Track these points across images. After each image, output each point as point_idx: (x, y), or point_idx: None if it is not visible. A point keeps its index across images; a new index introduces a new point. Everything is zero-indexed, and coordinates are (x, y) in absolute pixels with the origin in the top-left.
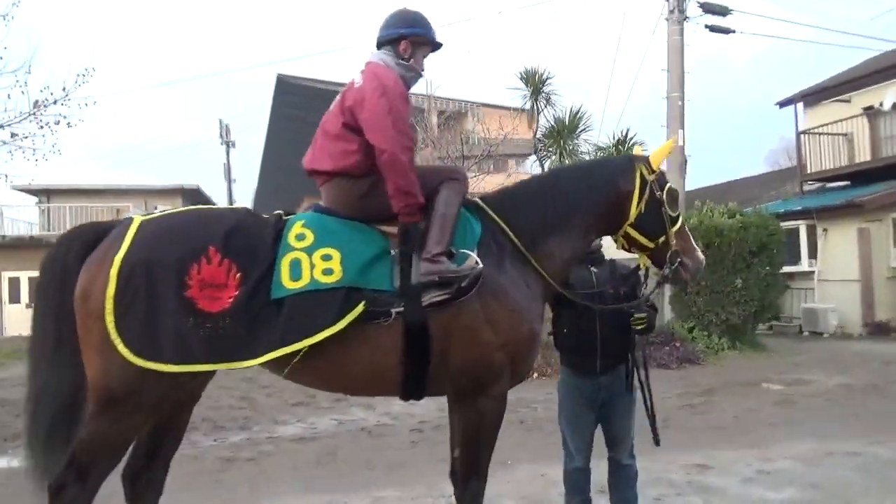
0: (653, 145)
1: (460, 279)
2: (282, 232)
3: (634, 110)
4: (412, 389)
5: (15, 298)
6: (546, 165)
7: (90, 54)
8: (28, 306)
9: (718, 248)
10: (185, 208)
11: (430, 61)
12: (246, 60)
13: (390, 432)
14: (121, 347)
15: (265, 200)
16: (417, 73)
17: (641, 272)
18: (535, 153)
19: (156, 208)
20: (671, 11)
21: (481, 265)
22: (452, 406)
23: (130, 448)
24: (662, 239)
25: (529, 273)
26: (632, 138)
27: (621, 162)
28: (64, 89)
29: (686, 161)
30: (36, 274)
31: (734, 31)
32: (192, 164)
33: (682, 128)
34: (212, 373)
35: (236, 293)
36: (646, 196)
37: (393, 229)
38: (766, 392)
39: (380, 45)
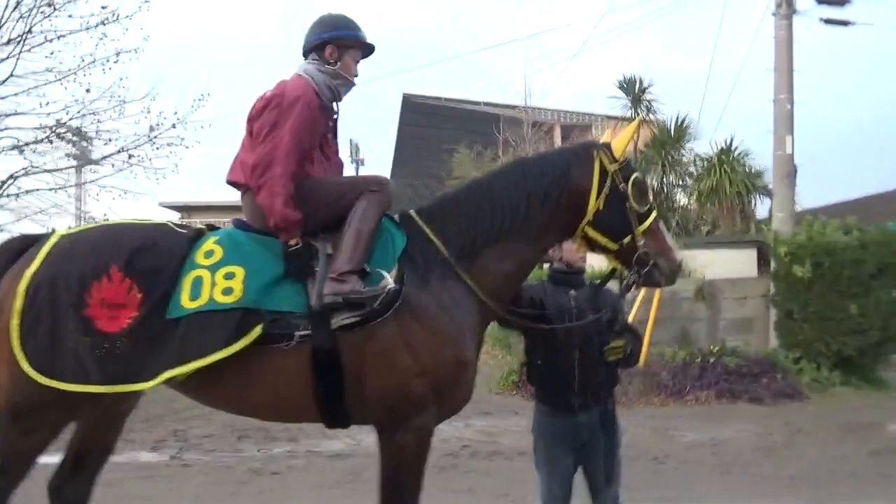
0: (761, 153)
1: (369, 301)
2: (192, 248)
3: (738, 115)
4: (332, 418)
5: None
6: (649, 178)
7: (207, 78)
8: None
9: (830, 270)
10: (105, 222)
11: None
12: (373, 78)
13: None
14: (24, 364)
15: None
16: (346, 80)
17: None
18: (637, 164)
19: None
20: (778, 5)
21: (392, 285)
22: (378, 438)
23: (60, 459)
24: (628, 239)
25: (460, 290)
26: (737, 147)
27: (576, 151)
28: (175, 114)
29: (795, 171)
30: None
31: (854, 24)
32: None
33: (791, 133)
34: (135, 392)
35: (135, 313)
36: (606, 190)
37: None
38: (869, 437)
39: (306, 54)
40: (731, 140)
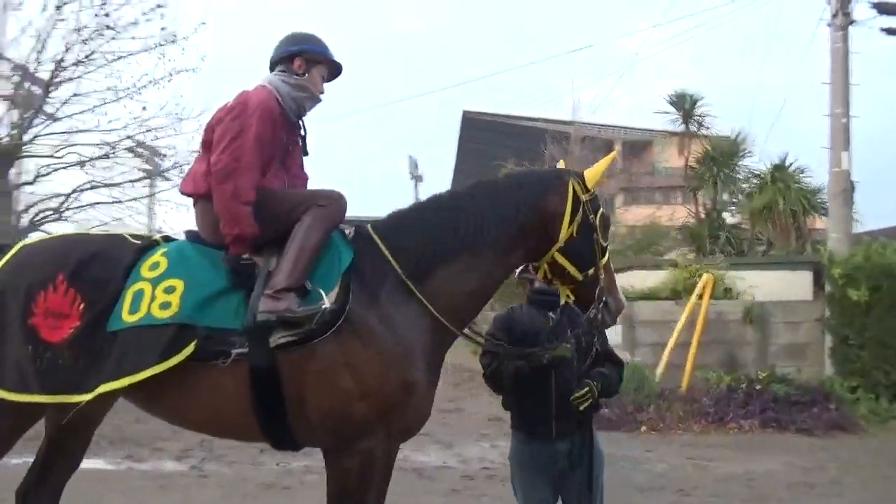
0: (816, 170)
1: (304, 320)
2: (139, 260)
3: (791, 131)
4: (276, 438)
5: None
6: (700, 196)
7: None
8: None
9: (888, 293)
10: (66, 233)
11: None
12: (432, 94)
13: (444, 476)
14: None
15: None
16: (312, 93)
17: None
18: (686, 181)
19: None
20: (833, 15)
21: (328, 305)
22: (325, 461)
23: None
24: (592, 271)
25: (412, 308)
26: (791, 163)
27: (550, 175)
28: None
29: (852, 188)
30: None
31: None
32: (380, 199)
33: (847, 149)
34: (111, 400)
35: (77, 324)
36: (578, 218)
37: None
38: None
39: (272, 67)
40: (786, 156)
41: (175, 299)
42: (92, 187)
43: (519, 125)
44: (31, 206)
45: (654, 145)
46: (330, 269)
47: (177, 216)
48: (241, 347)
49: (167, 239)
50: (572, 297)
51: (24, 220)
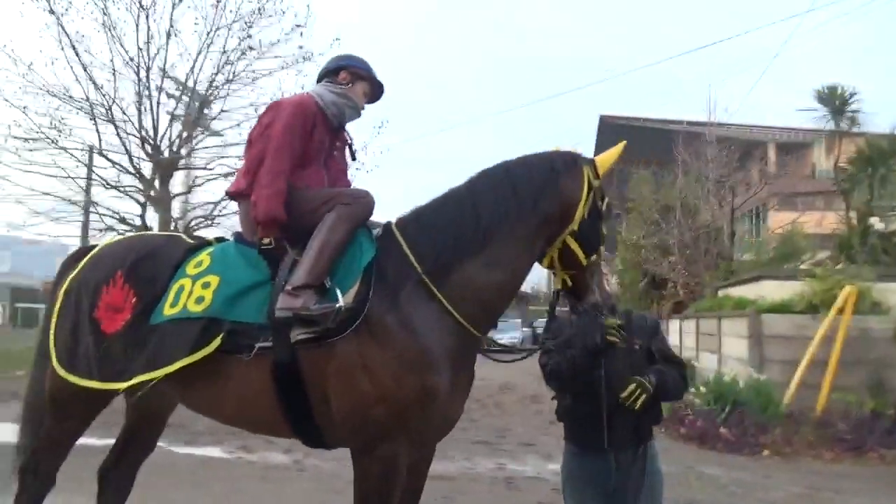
0: None
1: (320, 319)
2: (186, 259)
3: None
4: (306, 436)
5: None
6: (852, 200)
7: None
8: None
9: None
10: (135, 234)
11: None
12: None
13: (533, 488)
14: (53, 358)
15: None
16: (355, 104)
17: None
18: (837, 184)
19: None
20: None
21: (342, 304)
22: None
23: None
24: (595, 257)
25: (433, 309)
26: None
27: (566, 160)
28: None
29: None
30: None
31: None
32: None
33: None
34: (169, 391)
35: (128, 317)
36: (589, 203)
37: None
38: None
39: (319, 80)
40: None
41: (209, 294)
42: None
43: (656, 128)
44: (186, 214)
45: (811, 147)
46: (350, 267)
47: None
48: (264, 342)
49: (220, 240)
50: (569, 283)
51: (180, 227)
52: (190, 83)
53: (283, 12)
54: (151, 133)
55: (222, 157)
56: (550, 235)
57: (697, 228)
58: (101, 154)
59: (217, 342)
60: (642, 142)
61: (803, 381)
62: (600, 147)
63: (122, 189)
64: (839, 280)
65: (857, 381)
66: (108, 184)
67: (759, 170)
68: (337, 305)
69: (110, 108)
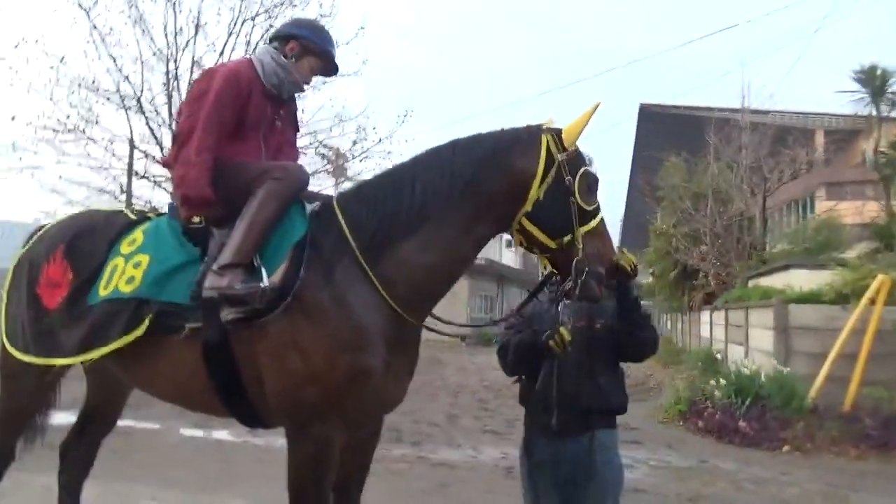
0: None
1: (247, 298)
2: (122, 236)
3: None
4: (241, 416)
5: None
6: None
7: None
8: None
9: None
10: (86, 210)
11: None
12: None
13: (466, 476)
14: (2, 334)
15: (632, 230)
16: (295, 79)
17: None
18: (877, 168)
19: (500, 236)
20: None
21: (266, 283)
22: None
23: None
24: (568, 238)
25: (369, 288)
26: None
27: (519, 133)
28: (374, 129)
29: None
30: None
31: None
32: None
33: None
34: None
35: (65, 293)
36: (549, 179)
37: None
38: None
39: (272, 40)
40: None
41: (139, 274)
42: None
43: (696, 115)
44: None
45: (860, 133)
46: (280, 245)
47: None
48: (195, 322)
49: (160, 215)
50: (548, 267)
51: None
52: None
53: (308, 2)
54: None
55: None
56: (499, 216)
57: (730, 217)
58: (131, 145)
59: (146, 324)
60: (683, 129)
61: (831, 374)
62: (641, 136)
63: (153, 179)
64: (872, 269)
65: (889, 375)
66: (139, 174)
67: (804, 156)
68: (262, 285)
69: (139, 99)
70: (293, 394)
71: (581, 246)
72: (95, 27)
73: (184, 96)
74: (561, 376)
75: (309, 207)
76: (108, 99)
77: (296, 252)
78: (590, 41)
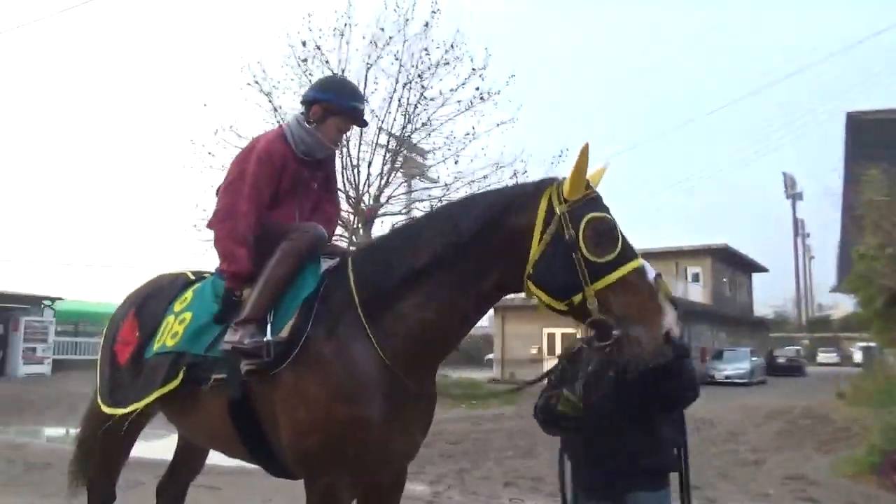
0: None
1: (255, 352)
2: (177, 295)
3: None
4: (268, 467)
5: (552, 352)
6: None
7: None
8: None
9: None
10: (159, 274)
11: None
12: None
13: None
14: (97, 388)
15: (849, 256)
16: (320, 142)
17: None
18: None
19: (685, 270)
20: None
21: (269, 337)
22: None
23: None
24: (578, 298)
25: (368, 342)
26: None
27: (526, 188)
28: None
29: None
30: (568, 330)
31: None
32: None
33: None
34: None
35: (132, 349)
36: (547, 236)
37: None
38: None
39: (302, 104)
40: None
41: (181, 329)
42: None
43: None
44: None
45: None
46: (291, 301)
47: None
48: (219, 373)
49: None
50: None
51: None
52: (381, 139)
53: (461, 58)
54: (353, 184)
55: (416, 200)
56: (502, 277)
57: None
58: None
59: (181, 376)
60: None
61: None
62: (851, 149)
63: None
64: None
65: None
66: None
67: None
68: (266, 339)
69: None
70: (299, 443)
71: (594, 305)
72: (275, 108)
73: (356, 159)
74: (586, 432)
75: (327, 263)
76: None
77: (305, 307)
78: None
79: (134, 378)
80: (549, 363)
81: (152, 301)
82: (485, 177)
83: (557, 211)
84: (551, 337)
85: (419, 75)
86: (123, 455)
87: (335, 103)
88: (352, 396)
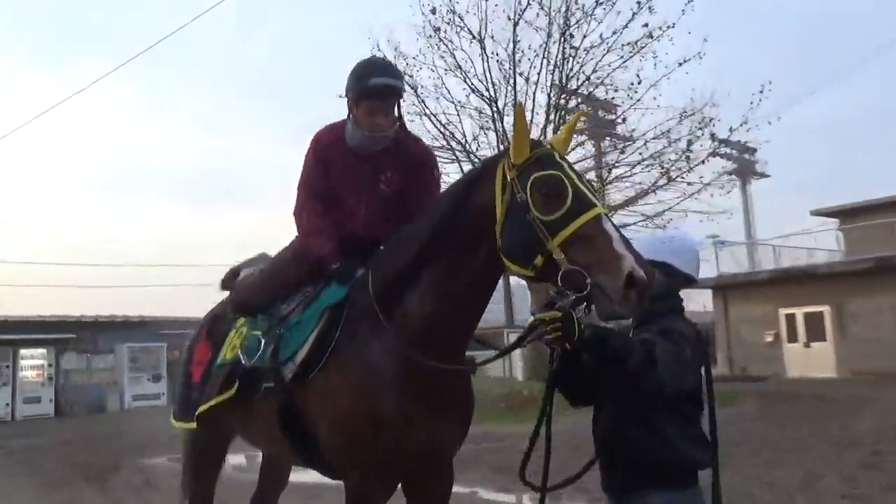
0: None
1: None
2: None
3: None
4: (320, 469)
5: (793, 338)
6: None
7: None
8: (806, 345)
9: None
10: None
11: None
12: None
13: None
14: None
15: None
16: (361, 131)
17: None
18: None
19: None
20: None
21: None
22: None
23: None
24: (538, 260)
25: (388, 339)
26: None
27: (483, 163)
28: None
29: None
30: (812, 309)
31: None
32: None
33: None
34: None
35: (204, 367)
36: (504, 203)
37: None
38: None
39: None
40: None
41: (239, 341)
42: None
43: None
44: None
45: None
46: (315, 310)
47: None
48: (268, 382)
49: None
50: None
51: None
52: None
53: None
54: None
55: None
56: (485, 261)
57: None
58: None
59: (236, 385)
60: None
61: None
62: None
63: None
64: None
65: None
66: None
67: None
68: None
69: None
70: (330, 443)
71: (562, 257)
72: (415, 89)
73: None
74: (597, 420)
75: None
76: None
77: (334, 313)
78: None
79: (201, 393)
80: (791, 350)
81: (220, 319)
82: (667, 132)
83: (508, 177)
84: (790, 319)
85: (570, 23)
86: (213, 468)
87: (353, 90)
88: (371, 394)
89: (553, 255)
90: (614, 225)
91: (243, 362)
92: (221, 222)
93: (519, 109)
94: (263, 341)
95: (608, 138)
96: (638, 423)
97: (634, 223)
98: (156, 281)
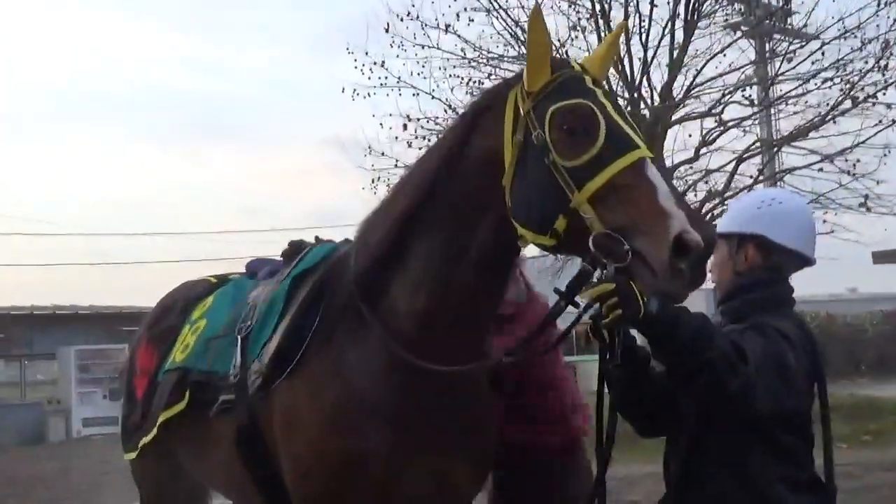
0: None
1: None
2: (198, 303)
3: None
4: None
5: None
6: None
7: None
8: None
9: None
10: (179, 284)
11: None
12: None
13: None
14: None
15: None
16: None
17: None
18: None
19: None
20: None
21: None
22: None
23: None
24: (562, 222)
25: (372, 343)
26: None
27: (483, 95)
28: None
29: None
30: None
31: None
32: None
33: None
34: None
35: (148, 379)
36: (515, 146)
37: None
38: None
39: None
40: None
41: (192, 340)
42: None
43: None
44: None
45: None
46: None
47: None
48: (228, 394)
49: (253, 276)
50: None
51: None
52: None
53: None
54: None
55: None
56: (501, 225)
57: None
58: None
59: (186, 397)
60: None
61: None
62: None
63: None
64: None
65: None
66: None
67: None
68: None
69: None
70: (296, 484)
71: (592, 215)
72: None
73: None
74: (669, 458)
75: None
76: None
77: (306, 302)
78: None
79: (147, 414)
80: None
81: (164, 318)
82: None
83: (522, 111)
84: None
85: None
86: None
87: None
88: (345, 422)
89: (580, 212)
90: (661, 173)
91: (196, 367)
92: (209, 172)
93: (535, 11)
94: (226, 337)
95: (777, 35)
96: (720, 462)
97: (806, 166)
98: (116, 256)
